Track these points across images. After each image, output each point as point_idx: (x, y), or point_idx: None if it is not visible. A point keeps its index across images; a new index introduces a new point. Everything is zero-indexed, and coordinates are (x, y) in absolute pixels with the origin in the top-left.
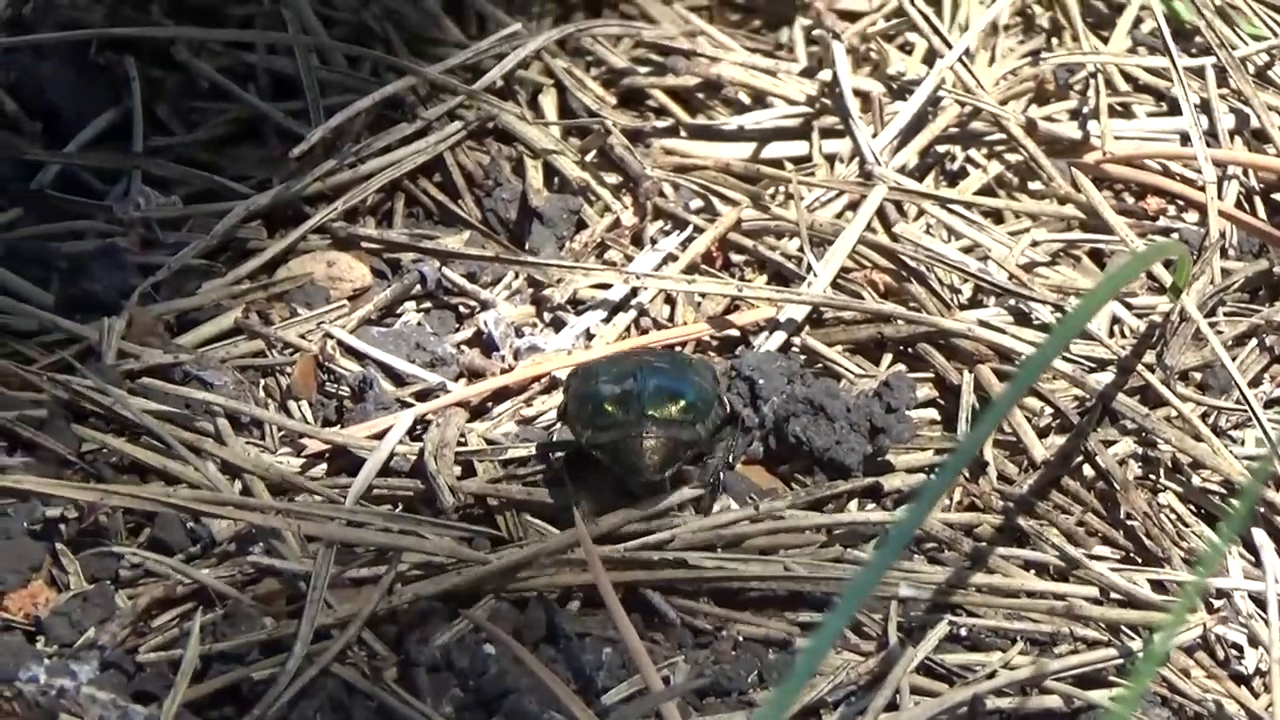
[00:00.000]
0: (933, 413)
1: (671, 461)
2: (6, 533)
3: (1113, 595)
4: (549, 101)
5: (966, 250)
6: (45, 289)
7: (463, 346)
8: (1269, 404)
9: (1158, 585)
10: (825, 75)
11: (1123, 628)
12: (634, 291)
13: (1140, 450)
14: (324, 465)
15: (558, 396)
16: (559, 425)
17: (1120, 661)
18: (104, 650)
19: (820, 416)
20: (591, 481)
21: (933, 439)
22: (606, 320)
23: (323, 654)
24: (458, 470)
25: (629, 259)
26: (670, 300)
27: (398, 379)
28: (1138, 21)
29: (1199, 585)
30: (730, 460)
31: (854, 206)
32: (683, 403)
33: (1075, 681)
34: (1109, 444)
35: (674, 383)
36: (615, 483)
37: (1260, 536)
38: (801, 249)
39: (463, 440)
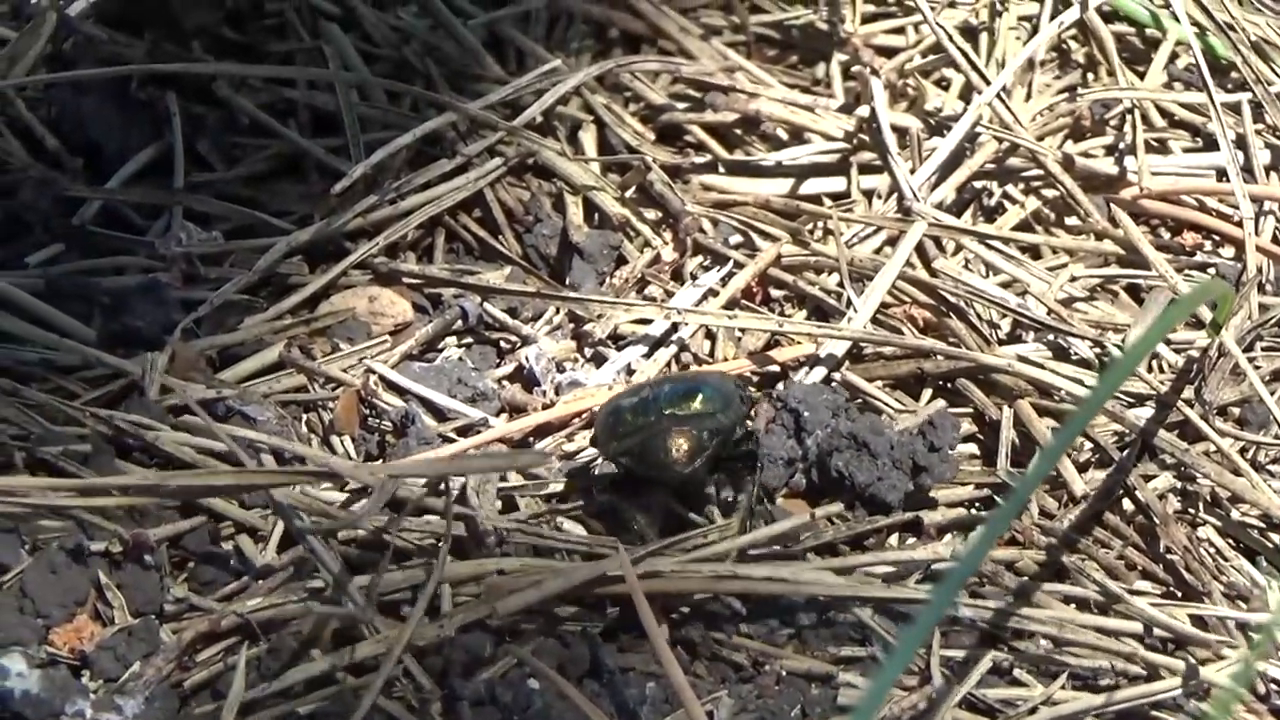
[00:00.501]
0: (972, 448)
1: (699, 450)
2: (51, 566)
3: (1155, 630)
4: (588, 137)
5: (1005, 285)
6: (88, 324)
7: (504, 382)
8: None
9: (1198, 620)
10: (863, 111)
11: (1164, 663)
12: (674, 327)
13: (1180, 485)
14: (365, 500)
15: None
16: (598, 459)
17: (1163, 697)
18: (149, 685)
19: (864, 453)
20: (634, 513)
21: (972, 474)
22: (647, 355)
23: (369, 687)
24: (499, 505)
25: (669, 294)
26: (711, 335)
27: (439, 414)
28: (1173, 57)
29: (1264, 628)
30: (756, 494)
31: (893, 242)
32: (699, 396)
33: (1117, 717)
34: (1149, 479)
35: (687, 384)
36: (659, 510)
37: None
38: (841, 284)
39: (504, 476)
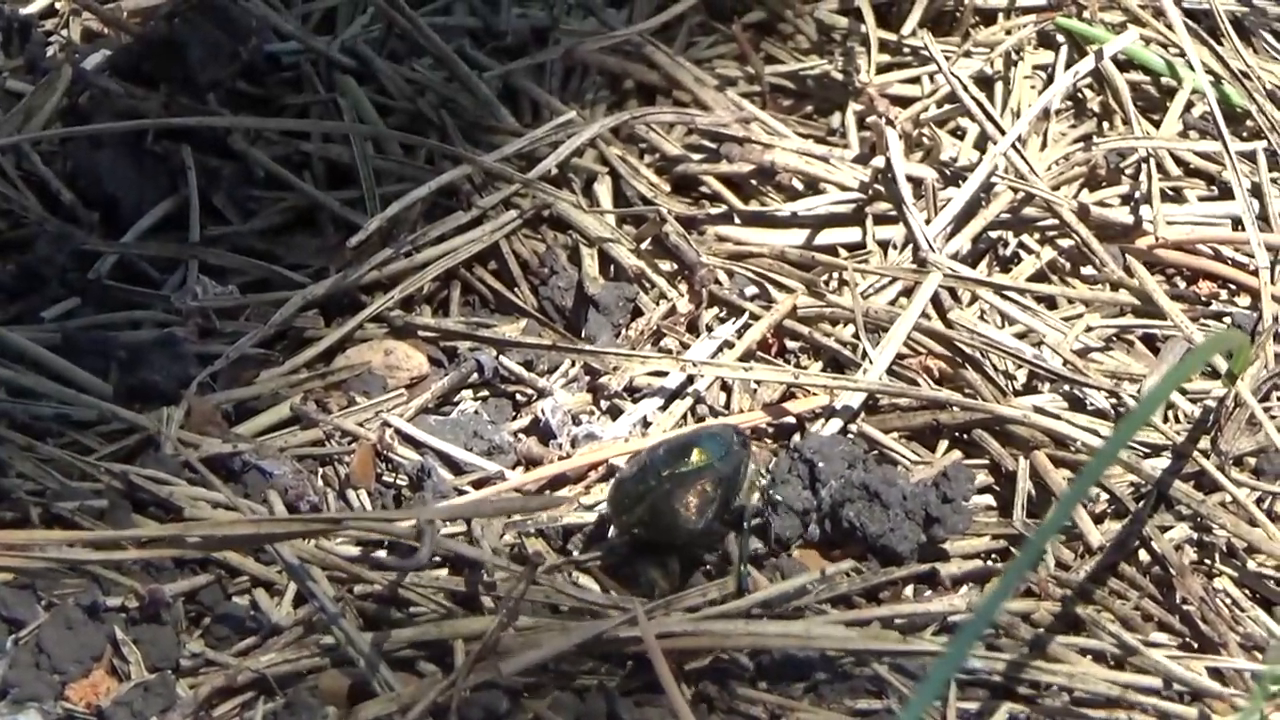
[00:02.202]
0: (988, 499)
1: (707, 503)
2: (67, 622)
3: (1172, 683)
4: (603, 189)
5: (1021, 336)
6: (104, 379)
7: (520, 435)
8: None
9: (1215, 672)
10: (878, 161)
11: (1181, 714)
12: (690, 379)
13: (1196, 536)
14: (383, 552)
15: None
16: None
17: None
18: None
19: (875, 503)
20: (651, 570)
21: (988, 525)
22: (663, 408)
23: None
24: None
25: (685, 347)
26: (726, 387)
27: (456, 467)
28: (1188, 106)
29: (1272, 675)
30: (747, 550)
31: (908, 293)
32: (694, 450)
33: None
34: (1165, 529)
35: (681, 441)
36: (675, 565)
37: None
38: (857, 336)
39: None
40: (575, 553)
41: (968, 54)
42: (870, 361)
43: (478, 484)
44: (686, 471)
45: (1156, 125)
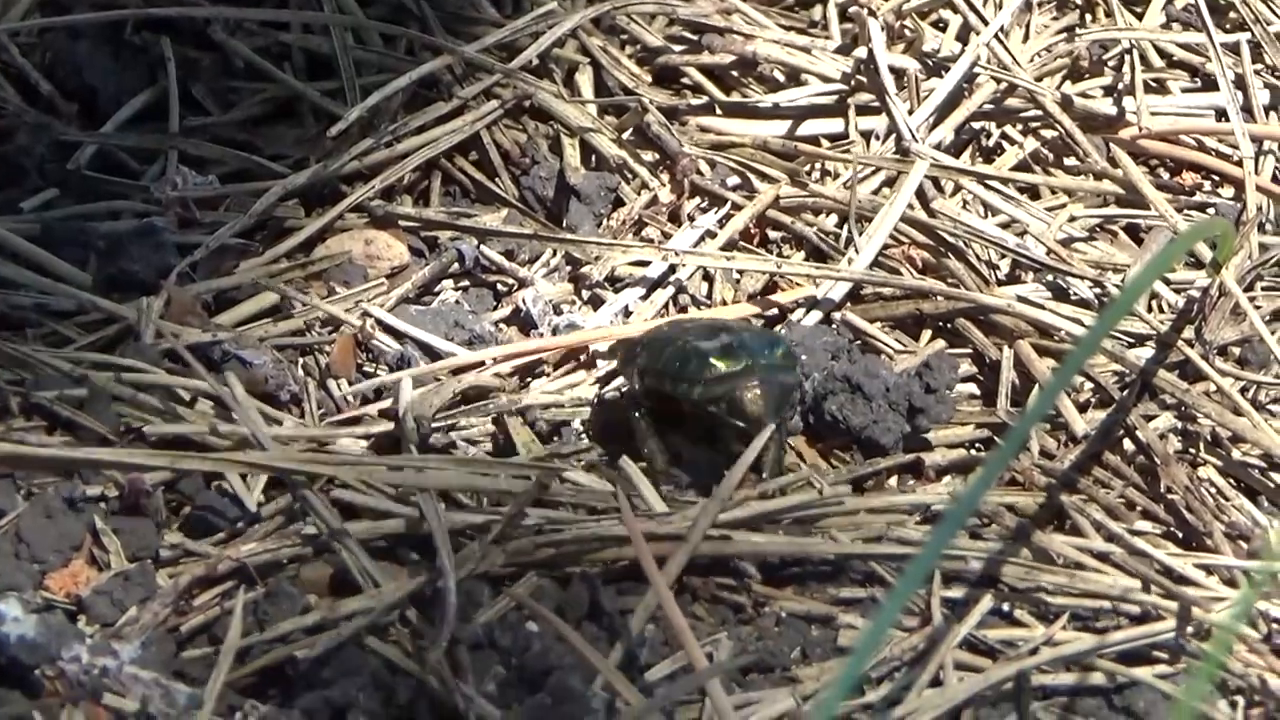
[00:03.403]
0: (972, 388)
1: (783, 406)
2: (47, 511)
3: (1155, 571)
4: (585, 80)
5: (1004, 226)
6: (83, 269)
7: (501, 324)
8: None
9: (1198, 558)
10: (860, 53)
11: (1165, 603)
12: (672, 269)
13: (1180, 425)
14: (358, 428)
15: (595, 373)
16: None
17: (1163, 637)
18: (145, 629)
19: (858, 395)
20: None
21: (972, 414)
22: (645, 297)
23: (365, 632)
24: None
25: (667, 236)
26: (709, 277)
27: (436, 357)
28: None
29: (1263, 570)
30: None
31: (891, 183)
32: (782, 349)
33: (1119, 658)
34: (1149, 419)
35: (766, 334)
36: (671, 446)
37: None
38: (840, 225)
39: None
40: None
41: None
42: (856, 251)
43: (457, 371)
44: (777, 366)
45: (1139, 17)
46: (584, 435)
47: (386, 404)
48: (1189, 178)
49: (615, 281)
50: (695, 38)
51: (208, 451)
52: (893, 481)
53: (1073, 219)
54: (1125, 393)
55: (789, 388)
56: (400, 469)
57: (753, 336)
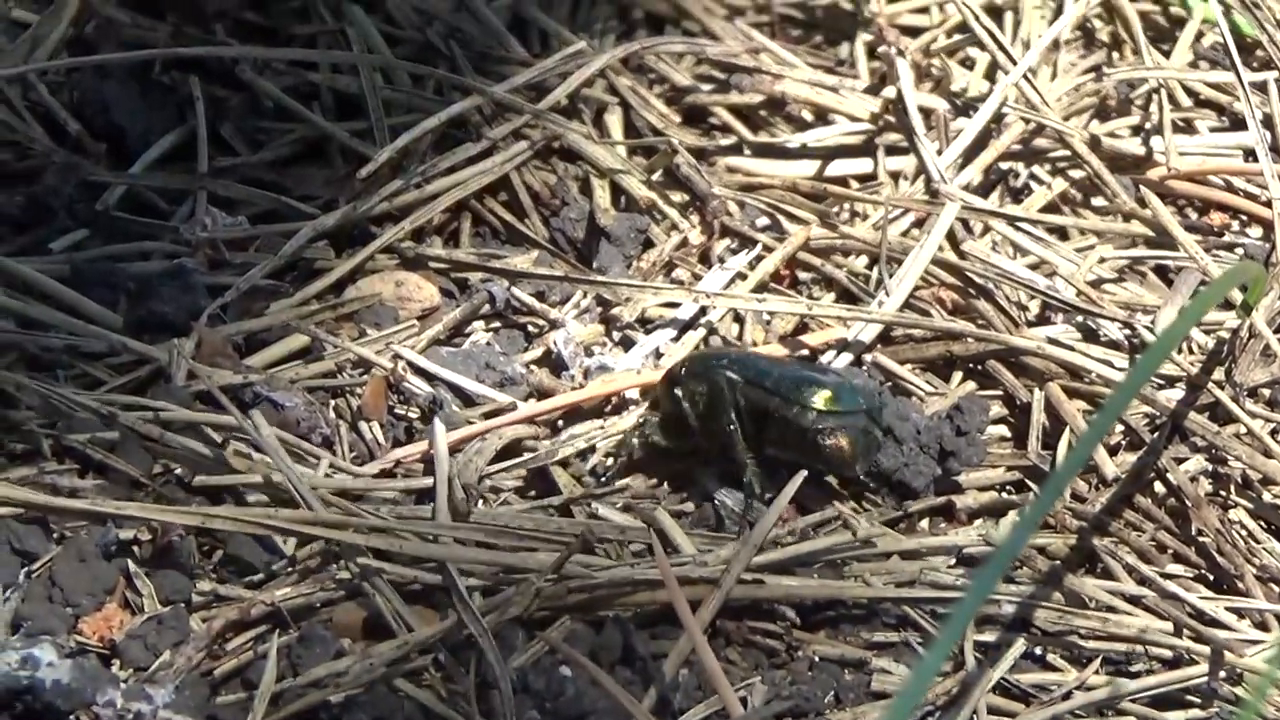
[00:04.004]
0: (1002, 430)
1: (871, 459)
2: (80, 556)
3: (1187, 614)
4: (614, 120)
5: (1033, 267)
6: (113, 310)
7: (532, 366)
8: None
9: (1230, 601)
10: (888, 92)
11: (1198, 648)
12: (703, 310)
13: (1211, 467)
14: (396, 482)
15: (629, 418)
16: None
17: (1197, 681)
18: (179, 673)
19: (889, 438)
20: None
21: (1003, 456)
22: (676, 339)
23: (400, 677)
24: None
25: (697, 278)
26: (739, 319)
27: (468, 399)
28: (1199, 36)
29: None
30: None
31: (920, 224)
32: (882, 405)
33: (1152, 702)
34: (1180, 461)
35: (871, 384)
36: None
37: None
38: (871, 266)
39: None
40: (596, 482)
41: None
42: (887, 294)
43: (489, 415)
44: (879, 421)
45: (1167, 55)
46: (613, 474)
47: (423, 446)
48: (1217, 218)
49: (646, 323)
50: (724, 77)
51: (243, 508)
52: (924, 524)
53: (1102, 260)
54: (1156, 435)
55: (878, 445)
56: (433, 539)
57: (864, 383)
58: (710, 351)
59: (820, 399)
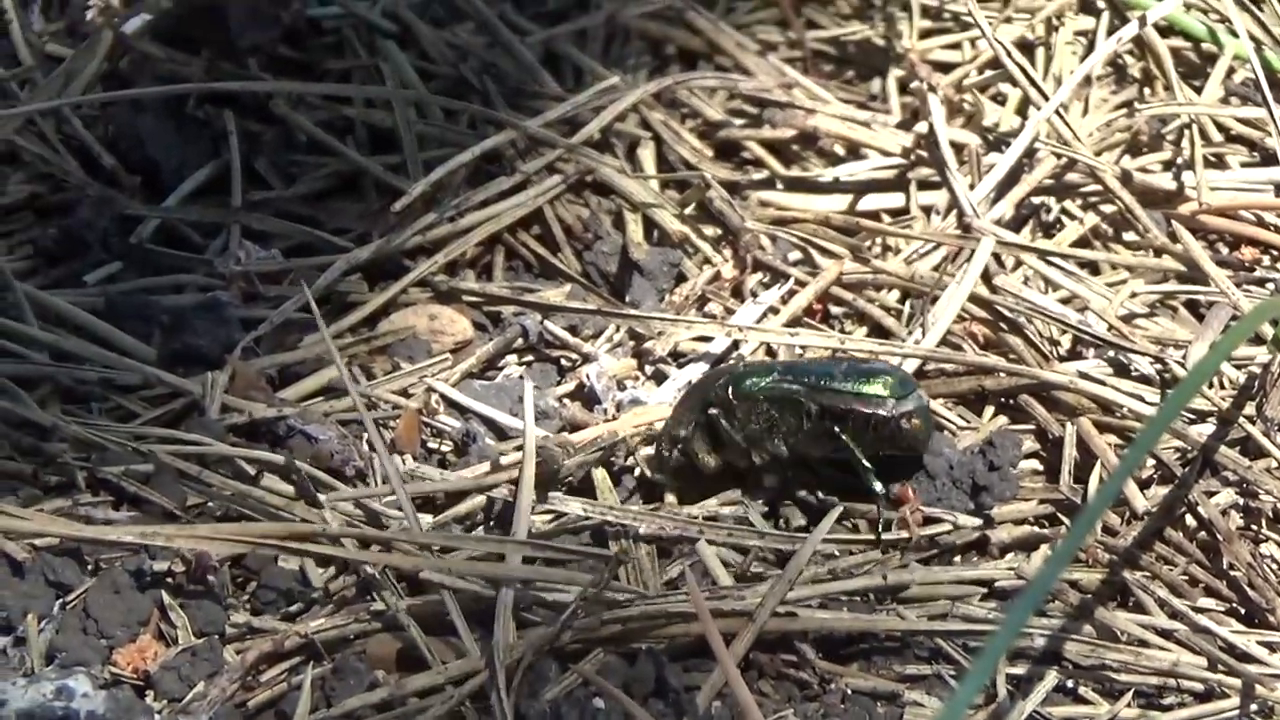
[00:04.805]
0: (1034, 464)
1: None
2: (114, 587)
3: (1219, 648)
4: (647, 154)
5: (1065, 302)
6: (147, 343)
7: (565, 400)
8: None
9: (1261, 635)
10: (920, 127)
11: (1229, 681)
12: (735, 344)
13: (1242, 501)
14: (430, 516)
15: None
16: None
17: (1228, 715)
18: (214, 705)
19: (922, 473)
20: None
21: (1035, 490)
22: None
23: (432, 709)
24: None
25: (730, 312)
26: (772, 353)
27: (501, 432)
28: (1230, 72)
29: None
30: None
31: (952, 259)
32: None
33: None
34: (1211, 495)
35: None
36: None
37: None
38: (903, 301)
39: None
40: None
41: (1009, 19)
42: (923, 331)
43: (522, 449)
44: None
45: (1199, 91)
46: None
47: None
48: (1248, 252)
49: (679, 356)
50: (756, 112)
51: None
52: (957, 559)
53: (1133, 295)
54: (1187, 469)
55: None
56: (480, 559)
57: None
58: (738, 371)
59: (889, 386)
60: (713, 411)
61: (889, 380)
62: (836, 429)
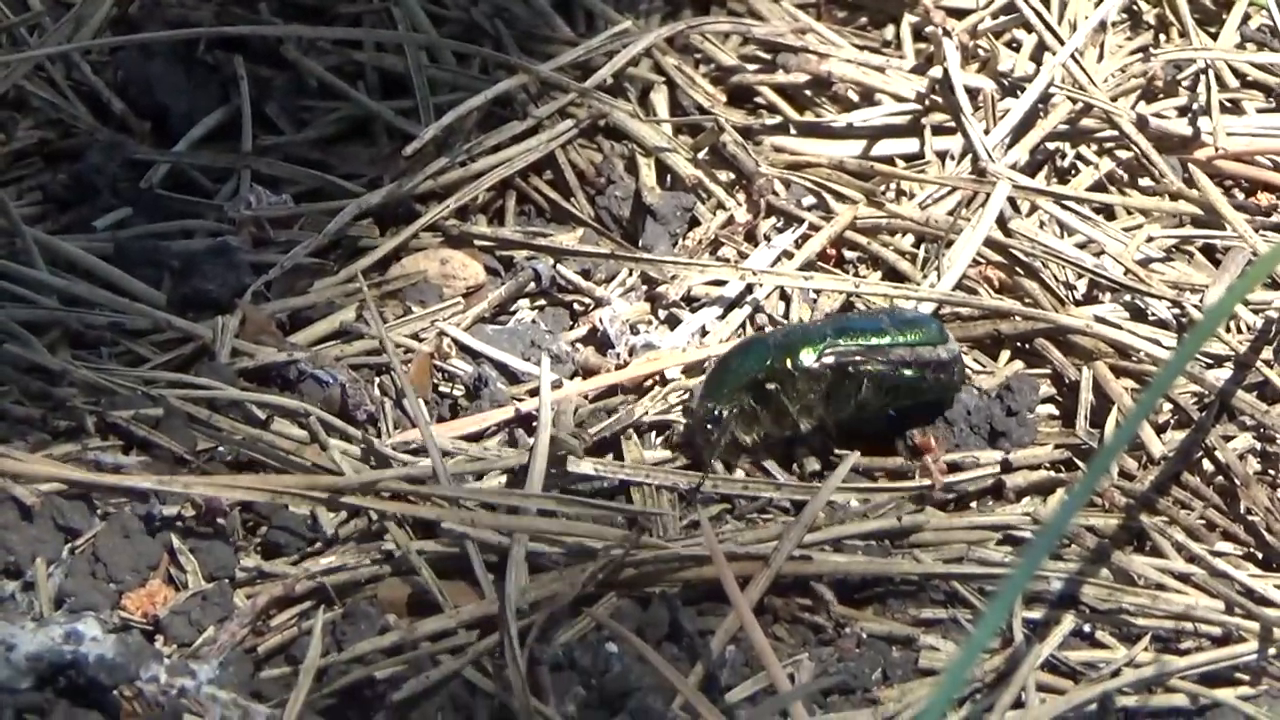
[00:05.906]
0: (1050, 408)
1: None
2: (124, 531)
3: (1237, 592)
4: (660, 99)
5: (1081, 246)
6: (157, 288)
7: (578, 344)
8: None
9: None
10: (934, 72)
11: (1247, 625)
12: (749, 288)
13: (1259, 446)
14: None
15: (672, 396)
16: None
17: (1246, 659)
18: (223, 649)
19: (939, 419)
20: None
21: (1051, 435)
22: (721, 317)
23: (444, 653)
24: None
25: (743, 256)
26: (785, 297)
27: (512, 377)
28: (1246, 18)
29: None
30: None
31: (967, 204)
32: None
33: (1200, 679)
34: (1228, 439)
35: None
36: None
37: None
38: (917, 245)
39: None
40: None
41: None
42: (939, 275)
43: (534, 393)
44: None
45: (1214, 37)
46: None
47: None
48: (1264, 198)
49: (692, 301)
50: (770, 57)
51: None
52: (973, 504)
53: (1150, 239)
54: (1204, 414)
55: None
56: (495, 509)
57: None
58: (788, 342)
59: (934, 330)
60: (770, 386)
61: (931, 325)
62: (898, 384)
